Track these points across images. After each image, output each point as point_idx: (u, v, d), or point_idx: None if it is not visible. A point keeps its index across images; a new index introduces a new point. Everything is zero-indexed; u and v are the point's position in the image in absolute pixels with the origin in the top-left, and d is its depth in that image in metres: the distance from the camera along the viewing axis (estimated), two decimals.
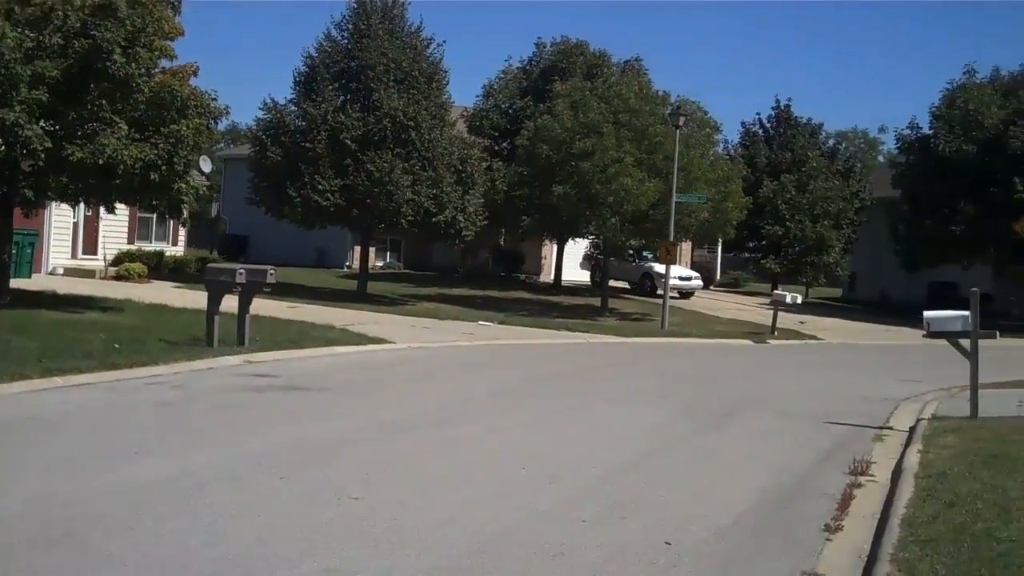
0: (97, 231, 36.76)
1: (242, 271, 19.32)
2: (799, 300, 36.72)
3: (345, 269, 46.83)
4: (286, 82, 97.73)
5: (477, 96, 48.32)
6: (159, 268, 36.47)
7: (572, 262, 49.34)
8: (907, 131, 46.55)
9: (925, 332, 15.56)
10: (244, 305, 19.41)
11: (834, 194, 51.44)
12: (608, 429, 14.02)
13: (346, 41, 35.47)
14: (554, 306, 38.68)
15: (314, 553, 7.45)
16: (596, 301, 39.09)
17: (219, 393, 14.87)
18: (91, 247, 36.59)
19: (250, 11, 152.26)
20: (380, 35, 34.90)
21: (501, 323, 30.78)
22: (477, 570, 7.42)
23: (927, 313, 15.68)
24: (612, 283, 42.74)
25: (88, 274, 34.03)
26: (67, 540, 7.46)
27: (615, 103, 36.02)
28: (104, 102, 21.25)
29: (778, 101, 57.21)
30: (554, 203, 35.15)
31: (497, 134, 45.25)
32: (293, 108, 35.14)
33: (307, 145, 33.22)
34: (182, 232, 41.80)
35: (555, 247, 48.95)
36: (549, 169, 35.57)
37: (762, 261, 52.72)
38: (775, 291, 39.50)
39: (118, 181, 21.81)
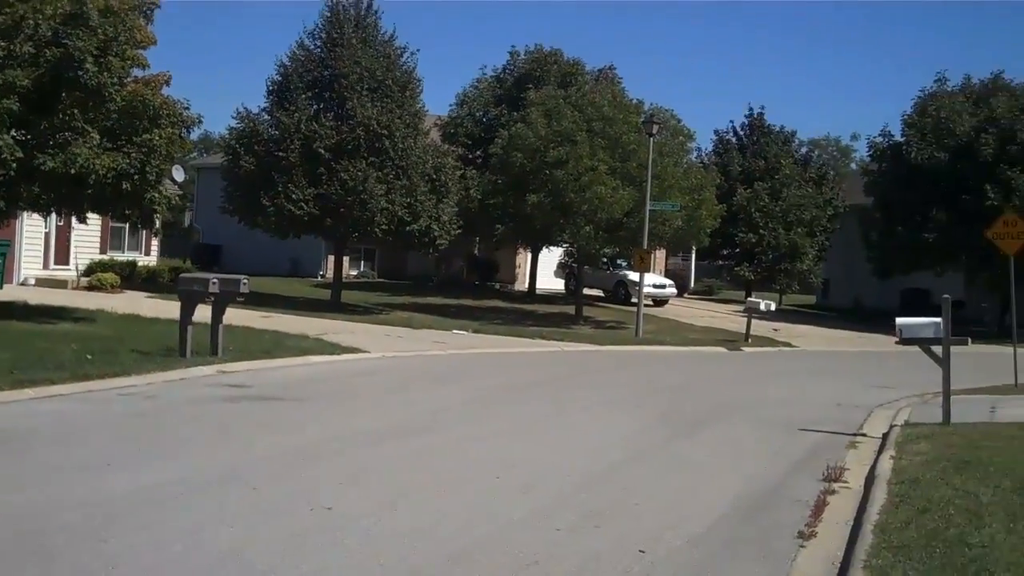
0: (69, 241, 36.58)
1: (215, 281, 19.25)
2: (773, 307, 36.88)
3: (319, 278, 46.71)
4: (259, 91, 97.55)
5: (451, 105, 48.45)
6: (132, 278, 36.31)
7: (546, 270, 49.36)
8: (879, 139, 46.80)
9: (897, 339, 15.59)
10: (217, 315, 19.35)
11: (807, 202, 51.65)
12: (583, 438, 14.02)
13: (319, 50, 35.44)
14: (528, 314, 38.67)
15: (288, 563, 7.42)
16: (571, 309, 39.10)
17: (192, 404, 14.80)
18: (63, 257, 36.41)
19: (223, 20, 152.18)
20: (353, 44, 34.88)
21: (475, 332, 30.77)
22: None
23: (899, 320, 15.73)
24: (586, 291, 42.80)
25: (60, 284, 33.88)
26: (39, 553, 7.41)
27: (589, 111, 36.07)
28: (76, 111, 21.17)
29: (751, 109, 57.52)
30: (528, 211, 35.14)
31: (471, 142, 45.29)
32: (266, 117, 35.08)
33: (280, 154, 33.14)
34: (155, 242, 41.61)
35: (529, 255, 48.95)
36: (523, 177, 35.57)
37: (736, 269, 52.86)
38: (749, 298, 39.66)
39: (90, 191, 21.73)
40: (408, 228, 33.91)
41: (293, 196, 32.60)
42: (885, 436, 14.36)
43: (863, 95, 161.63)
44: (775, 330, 37.86)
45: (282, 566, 7.37)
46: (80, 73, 20.51)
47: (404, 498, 9.62)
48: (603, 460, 12.16)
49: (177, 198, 30.84)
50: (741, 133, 56.95)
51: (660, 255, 53.60)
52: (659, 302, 46.11)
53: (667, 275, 53.16)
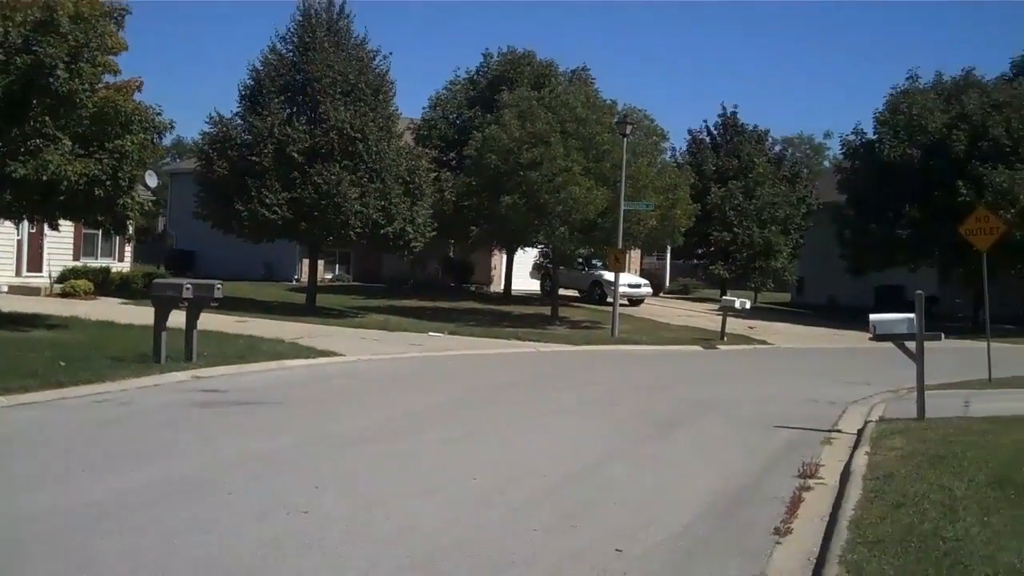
0: (42, 248, 36.45)
1: (189, 286, 19.19)
2: (748, 305, 36.95)
3: (294, 282, 46.60)
4: (232, 96, 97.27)
5: (425, 107, 48.30)
6: (105, 285, 36.15)
7: (522, 271, 49.34)
8: (852, 136, 46.94)
9: (871, 335, 15.65)
10: (191, 320, 19.29)
11: (781, 200, 51.77)
12: (559, 438, 14.04)
13: (292, 54, 35.35)
14: (504, 316, 38.68)
15: (265, 569, 7.41)
16: (546, 310, 39.12)
17: (166, 409, 14.75)
18: (36, 264, 36.26)
19: (195, 26, 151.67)
20: (326, 48, 34.82)
21: (451, 334, 30.76)
22: None
23: (873, 316, 15.78)
24: (562, 292, 42.83)
25: (33, 292, 33.72)
26: (11, 562, 7.38)
27: (562, 112, 36.09)
28: (47, 118, 21.07)
29: (724, 108, 57.51)
30: (503, 213, 35.12)
31: (445, 145, 45.19)
32: (239, 122, 34.95)
33: (254, 158, 33.04)
34: (128, 248, 41.47)
35: (505, 257, 48.89)
36: (497, 179, 35.57)
37: (711, 267, 52.94)
38: (724, 297, 39.71)
39: (62, 197, 21.64)
40: (382, 231, 33.85)
41: (267, 200, 32.50)
42: (860, 432, 14.42)
43: (836, 93, 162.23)
44: (750, 328, 37.96)
45: (259, 571, 7.36)
46: (51, 80, 20.42)
47: (380, 501, 9.62)
48: (579, 460, 12.17)
49: (150, 204, 30.77)
50: (715, 132, 57.01)
51: (635, 255, 53.64)
52: (634, 302, 46.16)
53: (642, 275, 53.24)
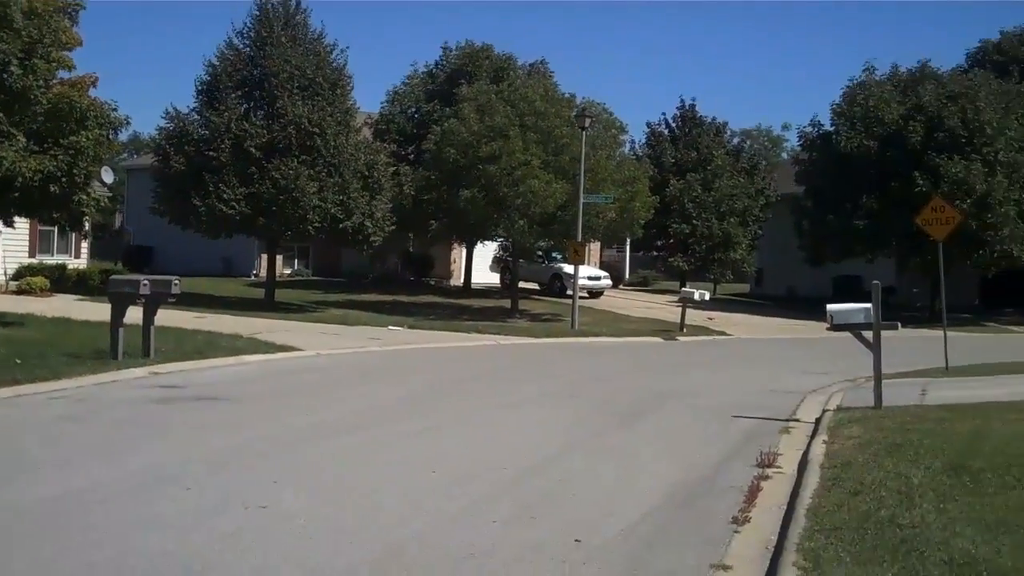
0: None
1: (146, 282, 19.07)
2: (707, 297, 37.14)
3: (253, 277, 46.41)
4: (189, 91, 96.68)
5: (383, 101, 48.20)
6: (62, 281, 35.81)
7: (482, 265, 49.30)
8: (809, 128, 47.27)
9: (829, 325, 15.72)
10: (149, 316, 19.17)
11: (739, 192, 51.94)
12: (519, 430, 14.05)
13: (248, 49, 35.15)
14: (464, 309, 38.66)
15: (223, 563, 7.37)
16: (506, 303, 39.13)
17: (124, 406, 14.66)
18: None
19: (150, 20, 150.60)
20: (283, 42, 34.66)
21: (411, 327, 30.71)
22: (389, 575, 7.40)
23: (830, 306, 15.85)
24: (522, 285, 42.80)
25: None
26: None
27: (521, 106, 36.06)
28: (1, 114, 20.86)
29: (683, 101, 57.54)
30: (462, 206, 35.05)
31: (403, 139, 45.09)
32: (196, 117, 34.71)
33: (211, 154, 32.85)
34: (84, 245, 41.15)
35: (464, 251, 48.86)
36: (456, 173, 35.50)
37: (670, 259, 53.05)
38: (683, 288, 39.85)
39: (16, 194, 21.46)
40: (341, 225, 33.75)
41: (224, 196, 32.32)
42: (818, 421, 14.53)
43: (794, 86, 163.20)
44: (710, 319, 38.12)
45: (217, 566, 7.32)
46: (4, 76, 20.24)
47: (339, 495, 9.60)
48: (539, 452, 12.18)
49: (106, 200, 30.54)
50: (673, 125, 57.07)
51: (595, 247, 53.84)
52: (594, 294, 46.29)
53: (602, 267, 53.42)
